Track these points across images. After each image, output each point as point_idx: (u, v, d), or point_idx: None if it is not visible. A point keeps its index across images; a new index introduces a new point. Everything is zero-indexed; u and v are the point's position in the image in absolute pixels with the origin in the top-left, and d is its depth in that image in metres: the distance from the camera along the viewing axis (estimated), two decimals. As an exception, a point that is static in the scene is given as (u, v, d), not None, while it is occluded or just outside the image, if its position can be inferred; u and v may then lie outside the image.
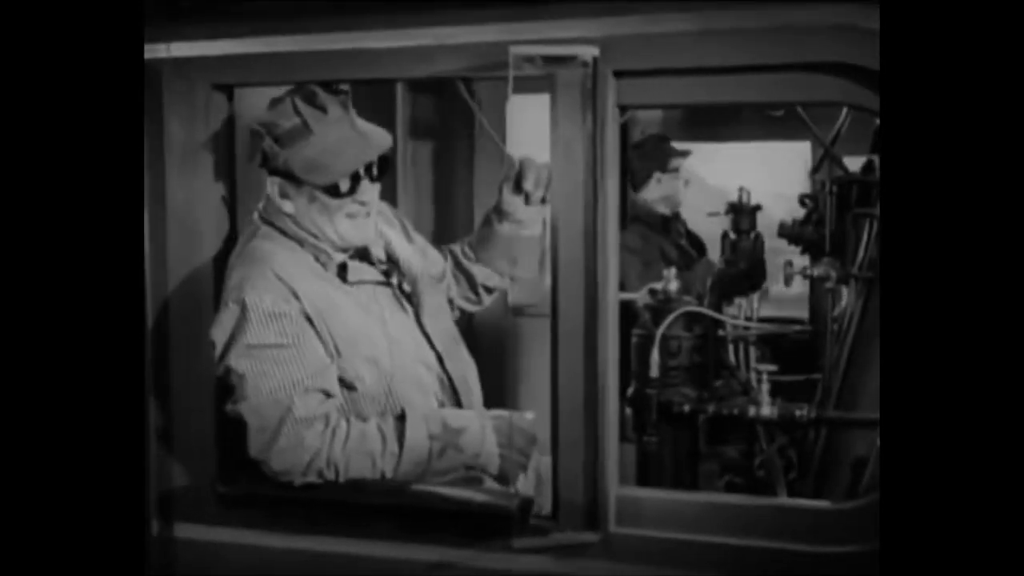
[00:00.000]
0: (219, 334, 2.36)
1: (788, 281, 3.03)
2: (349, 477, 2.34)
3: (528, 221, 2.80)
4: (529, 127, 2.55)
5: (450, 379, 2.61)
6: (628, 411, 2.63)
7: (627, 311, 2.49)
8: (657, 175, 4.50)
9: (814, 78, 2.02)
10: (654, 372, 2.58)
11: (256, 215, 2.54)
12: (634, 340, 2.65)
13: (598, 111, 2.08)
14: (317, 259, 2.50)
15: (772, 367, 2.69)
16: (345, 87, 2.52)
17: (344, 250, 2.54)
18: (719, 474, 3.22)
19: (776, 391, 2.59)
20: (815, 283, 3.20)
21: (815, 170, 3.68)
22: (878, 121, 2.53)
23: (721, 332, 3.30)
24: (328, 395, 2.38)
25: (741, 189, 3.81)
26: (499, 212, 2.81)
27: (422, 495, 2.34)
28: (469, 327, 3.83)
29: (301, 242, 2.50)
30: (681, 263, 3.91)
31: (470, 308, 2.97)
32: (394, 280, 2.63)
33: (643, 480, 2.65)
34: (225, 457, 2.42)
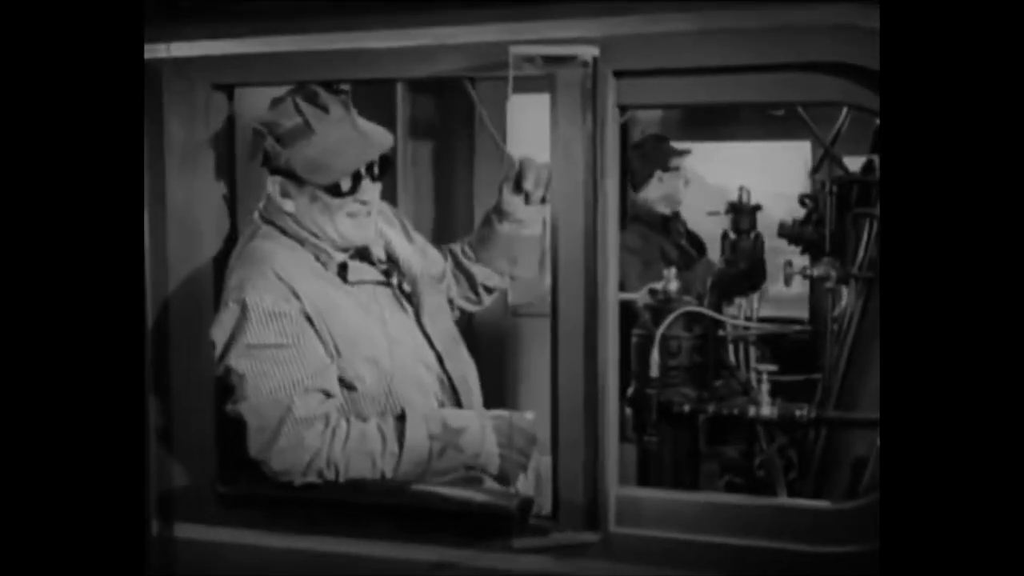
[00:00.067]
0: (219, 334, 2.36)
1: (788, 281, 3.02)
2: (349, 477, 2.34)
3: (528, 221, 2.80)
4: (529, 127, 2.55)
5: (450, 379, 2.61)
6: (628, 411, 2.63)
7: (627, 311, 2.49)
8: (659, 174, 4.51)
9: (814, 78, 2.02)
10: (654, 372, 2.57)
11: (257, 214, 2.54)
12: (634, 340, 2.65)
13: (598, 111, 2.08)
14: (317, 259, 2.50)
15: (772, 367, 2.69)
16: (345, 87, 2.52)
17: (344, 250, 2.54)
18: (719, 474, 3.22)
19: (776, 391, 2.59)
20: (815, 283, 3.20)
21: (815, 170, 3.67)
22: (878, 121, 2.53)
23: (721, 332, 3.30)
24: (328, 395, 2.38)
25: (741, 189, 3.80)
26: (499, 212, 2.81)
27: (422, 495, 2.34)
28: (469, 327, 3.83)
29: (302, 241, 2.50)
30: (681, 263, 3.90)
31: (470, 308, 2.97)
32: (394, 280, 2.63)
33: (643, 480, 2.65)
34: (225, 457, 2.42)
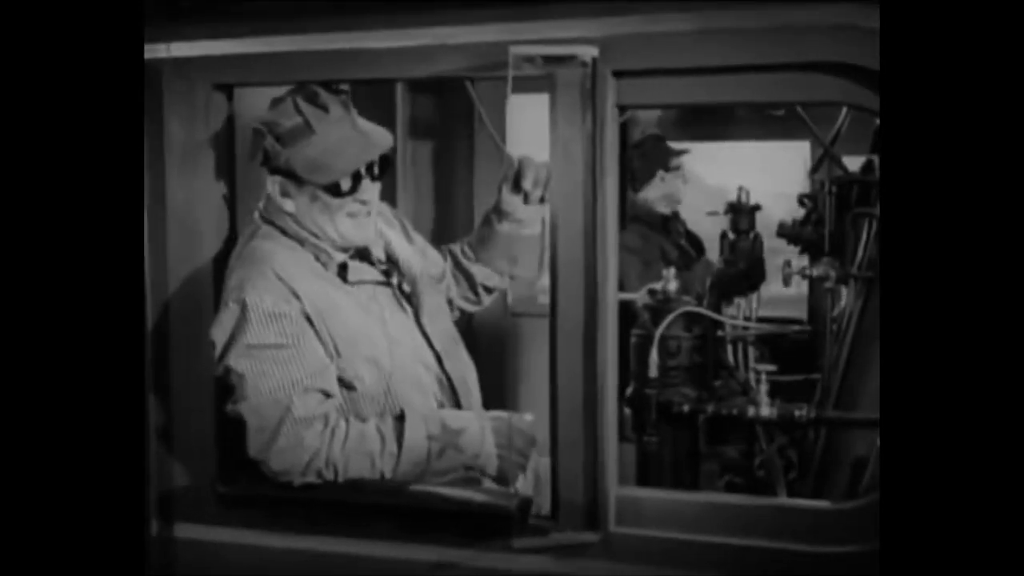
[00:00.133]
0: (219, 334, 2.36)
1: (787, 281, 3.02)
2: (348, 477, 2.34)
3: (527, 220, 2.80)
4: (529, 127, 2.55)
5: (449, 379, 2.61)
6: (627, 411, 2.63)
7: (626, 311, 2.49)
8: (660, 174, 4.51)
9: (814, 78, 2.02)
10: (653, 372, 2.57)
11: (257, 214, 2.54)
12: (633, 340, 2.64)
13: (597, 111, 2.08)
14: (317, 259, 2.50)
15: (771, 367, 2.69)
16: (345, 87, 2.53)
17: (344, 250, 2.54)
18: (719, 474, 3.22)
19: (775, 391, 2.59)
20: (814, 283, 3.20)
21: (814, 170, 3.67)
22: (878, 121, 2.53)
23: (720, 332, 3.30)
24: (327, 395, 2.38)
25: (740, 189, 3.80)
26: (498, 212, 2.81)
27: (421, 495, 2.34)
28: (469, 327, 3.83)
29: (302, 241, 2.50)
30: (680, 263, 3.90)
31: (470, 308, 2.97)
32: (394, 280, 2.63)
33: (643, 480, 2.64)
34: (225, 457, 2.42)
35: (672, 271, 2.75)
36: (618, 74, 2.10)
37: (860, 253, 2.75)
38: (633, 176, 4.50)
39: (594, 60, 2.06)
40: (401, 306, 2.62)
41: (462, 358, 2.70)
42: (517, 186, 2.76)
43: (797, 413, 2.55)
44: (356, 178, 2.46)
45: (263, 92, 2.52)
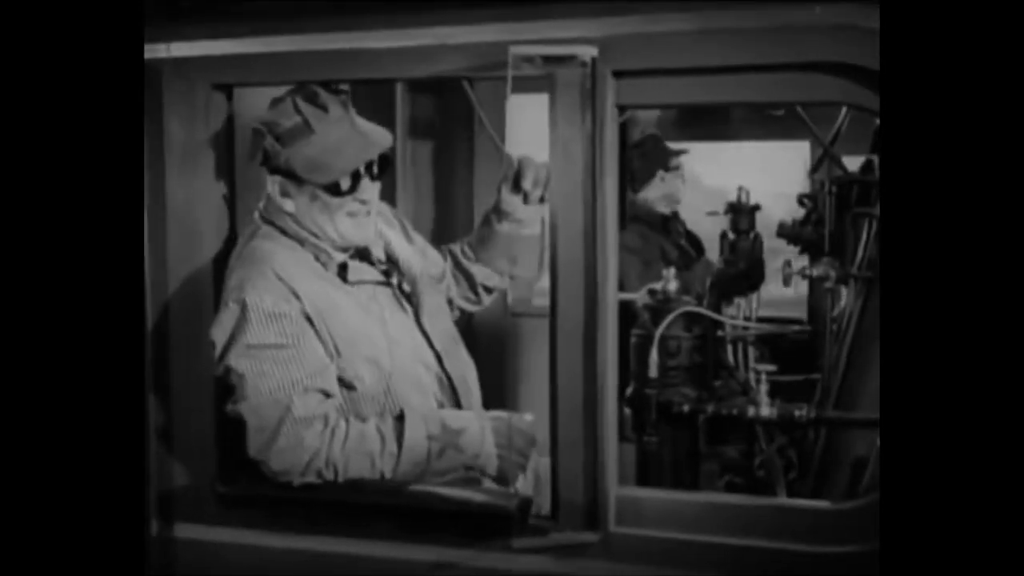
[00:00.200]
0: (219, 334, 2.36)
1: (787, 281, 3.02)
2: (348, 477, 2.34)
3: (527, 220, 2.80)
4: (528, 127, 2.55)
5: (449, 379, 2.61)
6: (627, 411, 2.63)
7: (626, 311, 2.49)
8: (661, 173, 4.51)
9: (814, 78, 2.02)
10: (653, 372, 2.57)
11: (256, 214, 2.54)
12: (633, 340, 2.64)
13: (597, 111, 2.09)
14: (317, 259, 2.50)
15: (771, 367, 2.69)
16: (345, 87, 2.53)
17: (344, 250, 2.54)
18: (719, 474, 3.22)
19: (775, 391, 2.59)
20: (814, 283, 3.20)
21: (814, 170, 3.66)
22: (878, 121, 2.53)
23: (720, 332, 3.29)
24: (327, 395, 2.38)
25: (740, 189, 3.80)
26: (498, 212, 2.81)
27: (421, 495, 2.34)
28: (468, 327, 3.83)
29: (302, 241, 2.50)
30: (680, 263, 3.90)
31: (470, 308, 2.97)
32: (394, 280, 2.63)
33: (643, 480, 2.64)
34: (225, 457, 2.42)
35: (672, 271, 2.75)
36: (618, 74, 2.10)
37: (860, 253, 2.75)
38: (633, 176, 4.49)
39: (594, 60, 2.06)
40: (401, 306, 2.62)
41: (462, 358, 2.70)
42: (517, 186, 2.76)
43: (797, 413, 2.55)
44: (355, 177, 2.46)
45: (263, 92, 2.52)
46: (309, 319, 2.39)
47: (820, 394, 2.85)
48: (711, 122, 5.29)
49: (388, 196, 2.80)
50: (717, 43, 2.03)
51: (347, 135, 2.45)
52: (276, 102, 2.47)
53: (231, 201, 2.50)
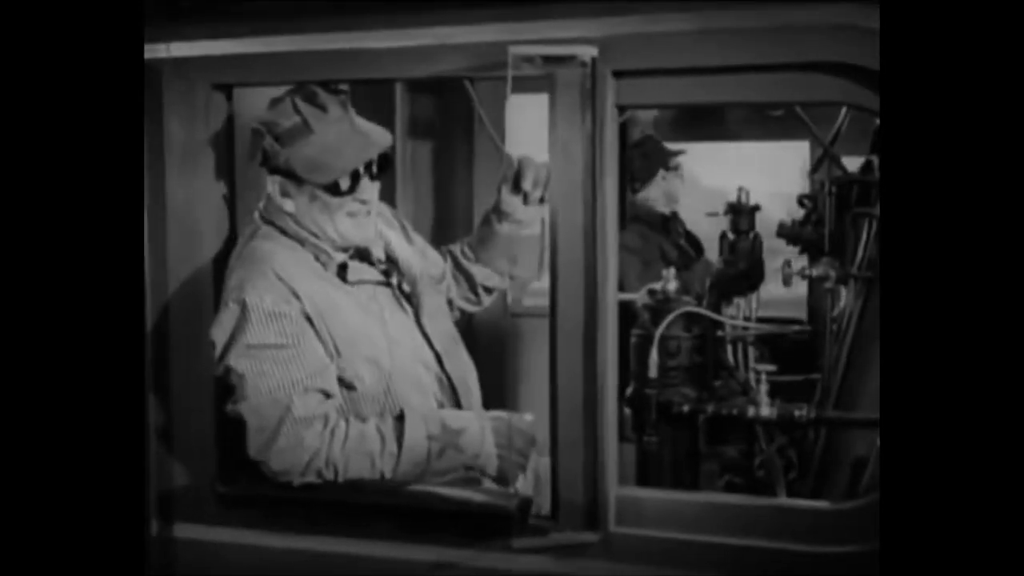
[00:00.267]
0: (219, 334, 2.36)
1: (787, 281, 3.02)
2: (348, 477, 2.34)
3: (527, 221, 2.80)
4: (528, 127, 2.55)
5: (449, 380, 2.61)
6: (627, 411, 2.63)
7: (626, 311, 2.49)
8: (662, 173, 4.51)
9: (814, 78, 2.02)
10: (653, 372, 2.57)
11: (256, 214, 2.54)
12: (633, 340, 2.64)
13: (597, 111, 2.08)
14: (317, 259, 2.50)
15: (771, 367, 2.69)
16: (344, 87, 2.53)
17: (344, 250, 2.54)
18: (719, 474, 3.22)
19: (775, 391, 2.59)
20: (814, 283, 3.20)
21: (814, 170, 3.67)
22: (878, 121, 2.53)
23: (720, 332, 3.30)
24: (327, 395, 2.38)
25: (740, 189, 3.80)
26: (498, 212, 2.81)
27: (421, 495, 2.34)
28: (468, 327, 3.83)
29: (302, 241, 2.50)
30: (680, 263, 3.90)
31: (470, 308, 2.97)
32: (394, 280, 2.63)
33: (643, 480, 2.64)
34: (225, 457, 2.42)
35: (672, 271, 2.75)
36: (618, 74, 2.10)
37: (860, 253, 2.75)
38: (633, 176, 4.50)
39: (594, 60, 2.06)
40: (401, 306, 2.62)
41: (462, 358, 2.70)
42: (517, 186, 2.76)
43: (797, 413, 2.55)
44: (355, 177, 2.46)
45: (262, 92, 2.52)
46: (309, 319, 2.39)
47: (820, 394, 2.85)
48: (711, 123, 5.30)
49: (388, 196, 2.80)
50: (717, 43, 2.03)
51: (346, 135, 2.45)
52: (275, 102, 2.47)
53: (231, 201, 2.50)
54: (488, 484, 2.48)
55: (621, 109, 2.15)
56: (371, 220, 2.55)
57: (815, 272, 2.94)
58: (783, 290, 3.16)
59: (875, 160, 2.83)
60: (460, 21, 2.17)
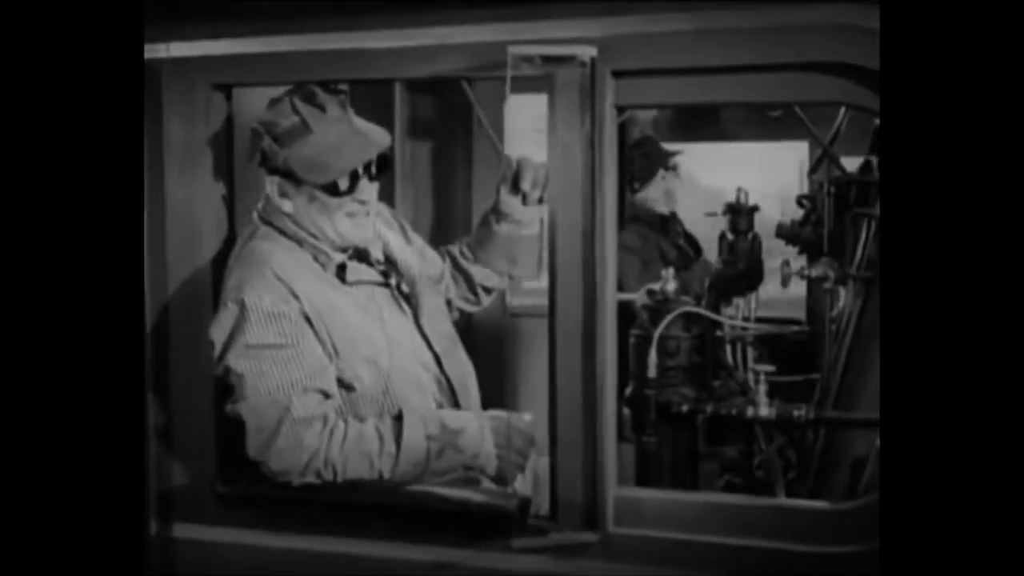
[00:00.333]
0: (218, 334, 2.36)
1: (786, 281, 3.03)
2: (347, 477, 2.34)
3: (526, 221, 2.80)
4: (527, 127, 2.55)
5: (448, 380, 2.61)
6: (626, 411, 2.63)
7: (625, 311, 2.49)
8: (662, 172, 4.51)
9: (814, 78, 2.02)
10: (652, 372, 2.57)
11: (255, 215, 2.54)
12: (632, 340, 2.65)
13: (596, 111, 2.08)
14: (316, 259, 2.50)
15: (770, 367, 2.69)
16: (343, 87, 2.52)
17: (343, 250, 2.54)
18: (718, 474, 3.22)
19: (774, 391, 2.59)
20: (813, 283, 3.20)
21: (813, 170, 3.67)
22: (878, 121, 2.53)
23: (719, 332, 3.30)
24: (326, 395, 2.38)
25: (739, 189, 3.80)
26: (497, 212, 2.81)
27: (420, 495, 2.34)
28: (467, 328, 3.83)
29: (300, 242, 2.50)
30: (679, 263, 3.90)
31: (469, 309, 2.98)
32: (393, 281, 2.63)
33: (642, 480, 2.65)
34: (225, 457, 2.42)
35: (671, 271, 2.75)
36: (617, 74, 2.10)
37: (859, 253, 2.75)
38: (632, 176, 4.50)
39: (593, 60, 2.06)
40: (400, 307, 2.62)
41: (461, 359, 2.70)
42: (516, 187, 2.76)
43: (796, 413, 2.55)
44: (354, 178, 2.46)
45: (262, 92, 2.52)
46: (308, 319, 2.40)
47: (819, 394, 2.86)
48: (710, 123, 5.30)
49: (387, 197, 2.80)
50: (716, 43, 2.03)
51: (345, 135, 2.45)
52: (274, 102, 2.47)
53: (230, 201, 2.50)
54: (487, 484, 2.48)
55: (620, 109, 2.15)
56: (370, 220, 2.55)
57: (814, 272, 2.94)
58: (782, 290, 3.16)
59: (874, 160, 2.83)
60: (459, 21, 2.17)
